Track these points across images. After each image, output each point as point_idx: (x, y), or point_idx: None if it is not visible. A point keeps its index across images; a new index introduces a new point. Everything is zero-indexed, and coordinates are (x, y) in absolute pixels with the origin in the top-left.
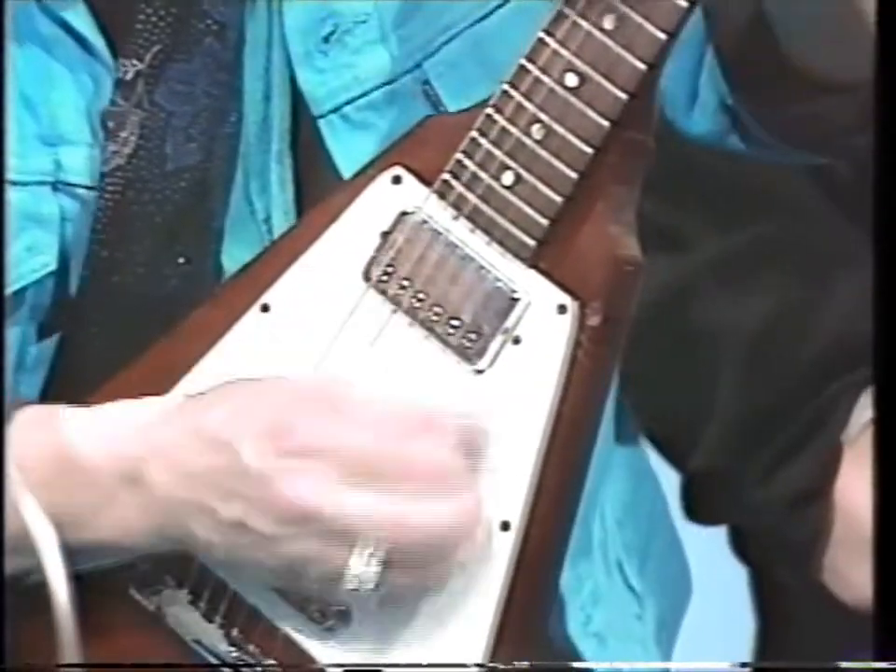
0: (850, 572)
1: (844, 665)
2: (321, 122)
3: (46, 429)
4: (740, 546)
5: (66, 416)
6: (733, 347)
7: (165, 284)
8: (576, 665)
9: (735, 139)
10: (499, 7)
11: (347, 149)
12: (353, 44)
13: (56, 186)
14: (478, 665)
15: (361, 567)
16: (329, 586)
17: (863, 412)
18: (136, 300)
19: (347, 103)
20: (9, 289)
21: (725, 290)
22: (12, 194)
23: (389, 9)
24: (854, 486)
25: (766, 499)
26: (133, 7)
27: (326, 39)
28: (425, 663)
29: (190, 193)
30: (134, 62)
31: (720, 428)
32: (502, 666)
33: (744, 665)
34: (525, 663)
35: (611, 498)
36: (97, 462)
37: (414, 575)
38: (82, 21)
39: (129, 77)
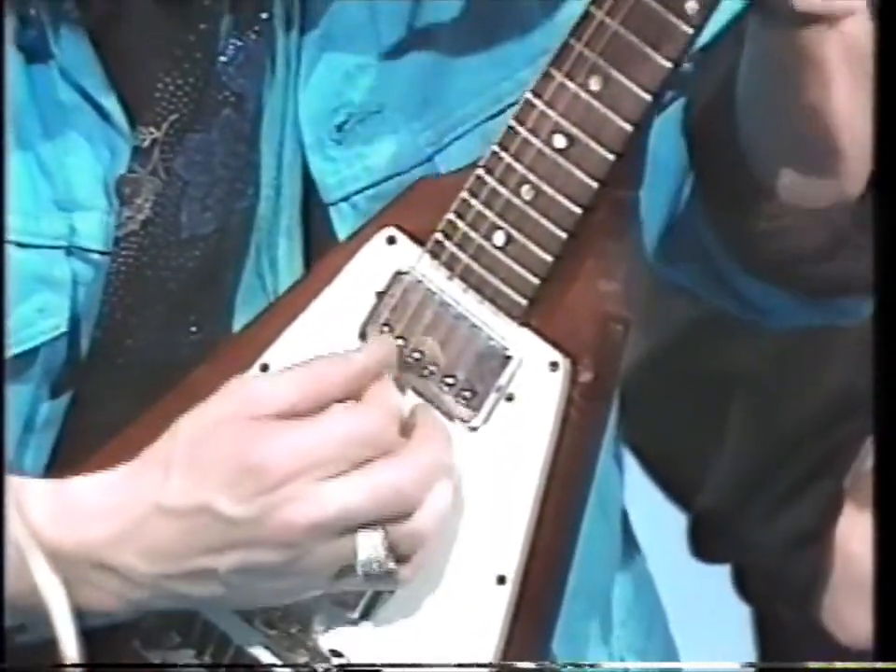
0: (848, 614)
1: (844, 664)
2: (331, 209)
3: (13, 507)
4: (743, 585)
5: (32, 494)
6: (742, 391)
7: (177, 351)
8: (577, 665)
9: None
10: (511, 105)
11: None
12: (365, 134)
13: (70, 250)
14: (479, 665)
15: (369, 552)
16: (345, 581)
17: (866, 458)
18: (148, 365)
19: (357, 192)
20: (20, 348)
21: (734, 336)
22: (24, 255)
23: (402, 102)
24: (855, 531)
25: (768, 540)
26: (151, 77)
27: (339, 128)
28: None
29: (205, 262)
30: (152, 130)
31: (726, 471)
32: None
33: (748, 665)
34: (527, 663)
35: (617, 598)
36: (63, 547)
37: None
38: (101, 89)
39: (146, 144)
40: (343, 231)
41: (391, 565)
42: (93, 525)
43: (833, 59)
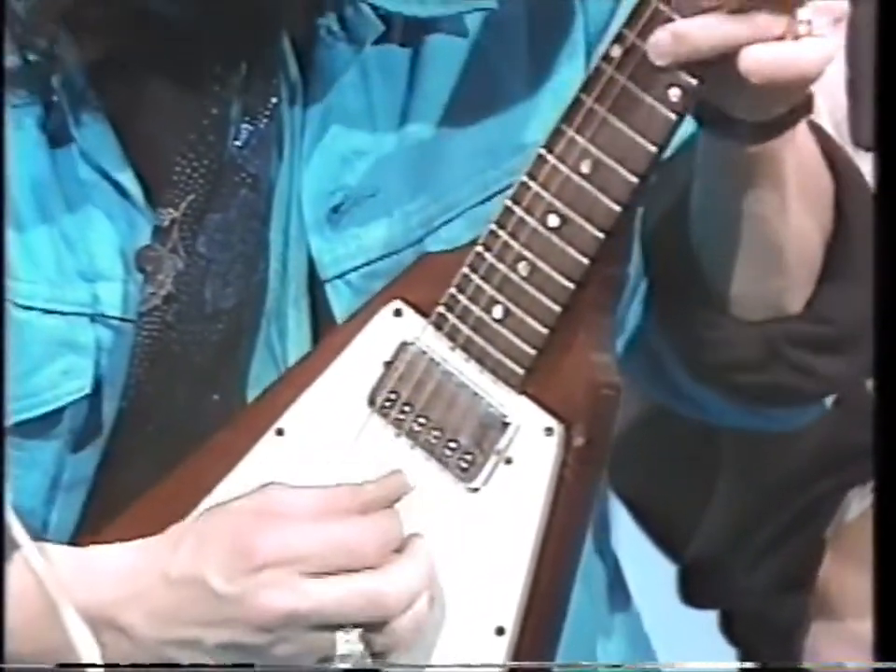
0: (826, 654)
1: (844, 665)
2: (327, 286)
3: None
4: (729, 628)
5: (57, 559)
6: (728, 446)
7: (200, 417)
8: (577, 665)
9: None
10: (498, 192)
11: (349, 314)
12: (360, 216)
13: (93, 317)
14: (481, 666)
15: (347, 647)
16: (327, 667)
17: (848, 510)
18: (173, 430)
19: (352, 270)
20: (46, 408)
21: None
22: (50, 321)
23: (396, 186)
24: (835, 579)
25: (753, 587)
26: (168, 159)
27: (335, 210)
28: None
29: (226, 335)
30: (170, 210)
31: (714, 523)
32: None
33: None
34: (533, 663)
35: (612, 657)
36: (79, 605)
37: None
38: (120, 169)
39: (165, 224)
40: (337, 307)
41: (368, 660)
42: (108, 587)
43: (783, 174)
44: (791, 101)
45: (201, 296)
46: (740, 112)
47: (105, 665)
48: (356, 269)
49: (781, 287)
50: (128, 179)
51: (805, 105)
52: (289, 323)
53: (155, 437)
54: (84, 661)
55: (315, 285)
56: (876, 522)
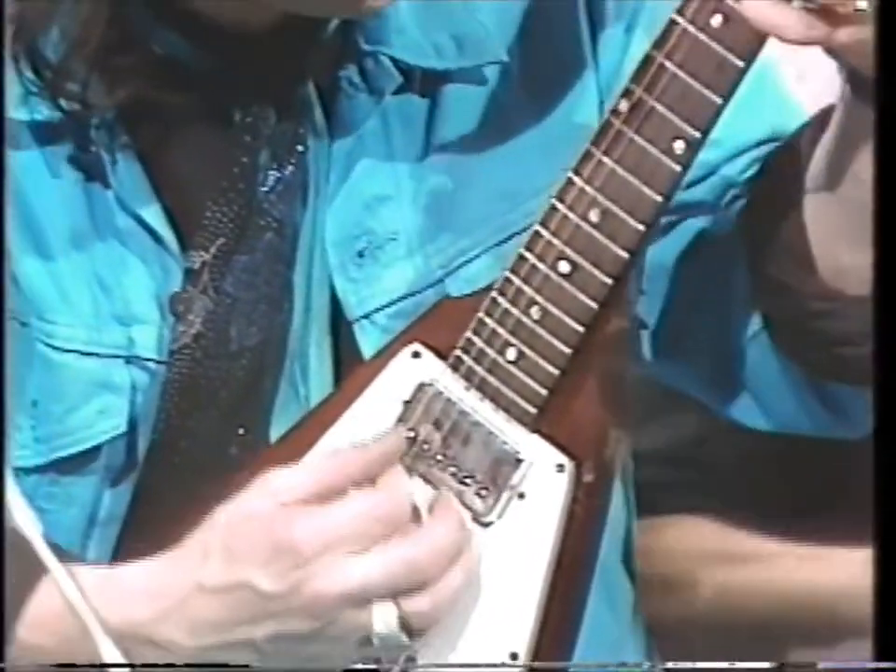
0: None
1: (845, 664)
2: (354, 325)
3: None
4: None
5: (85, 582)
6: None
7: (227, 450)
8: (578, 665)
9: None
10: (515, 234)
11: (375, 352)
12: (383, 259)
13: (128, 359)
14: (483, 666)
15: (383, 625)
16: (365, 650)
17: None
18: (201, 463)
19: (377, 310)
20: (84, 446)
21: None
22: (87, 363)
23: (417, 230)
24: None
25: None
26: (200, 205)
27: (360, 254)
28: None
29: (251, 371)
30: (201, 253)
31: None
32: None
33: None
34: (533, 663)
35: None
36: (119, 630)
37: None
38: (155, 217)
39: (196, 266)
40: (364, 345)
41: (404, 638)
42: (141, 606)
43: None
44: None
45: (227, 334)
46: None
47: (106, 665)
48: (380, 309)
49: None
50: (162, 226)
51: None
52: (311, 362)
53: (183, 469)
54: None
55: (338, 325)
56: (876, 522)
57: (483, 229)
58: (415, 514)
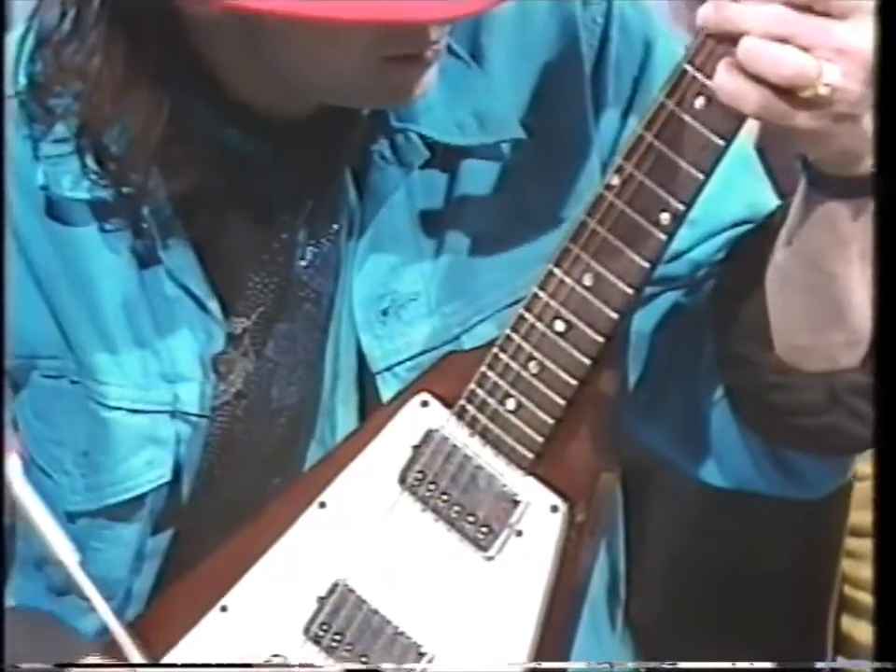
0: None
1: (845, 664)
2: (377, 377)
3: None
4: None
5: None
6: None
7: (262, 499)
8: (580, 665)
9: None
10: (523, 297)
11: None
12: (406, 317)
13: (174, 414)
14: (498, 666)
15: None
16: None
17: None
18: (239, 509)
19: (398, 363)
20: (131, 494)
21: None
22: (136, 419)
23: (436, 291)
24: None
25: None
26: (242, 277)
27: (384, 312)
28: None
29: (288, 428)
30: (243, 320)
31: None
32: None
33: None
34: (548, 664)
35: None
36: None
37: None
38: (200, 287)
39: (238, 331)
40: (385, 394)
41: None
42: None
43: (857, 242)
44: (867, 162)
45: (268, 394)
46: (828, 168)
47: (106, 665)
48: (402, 362)
49: (843, 341)
50: (207, 296)
51: None
52: (338, 420)
53: (223, 515)
54: None
55: (363, 377)
56: (877, 522)
57: (494, 293)
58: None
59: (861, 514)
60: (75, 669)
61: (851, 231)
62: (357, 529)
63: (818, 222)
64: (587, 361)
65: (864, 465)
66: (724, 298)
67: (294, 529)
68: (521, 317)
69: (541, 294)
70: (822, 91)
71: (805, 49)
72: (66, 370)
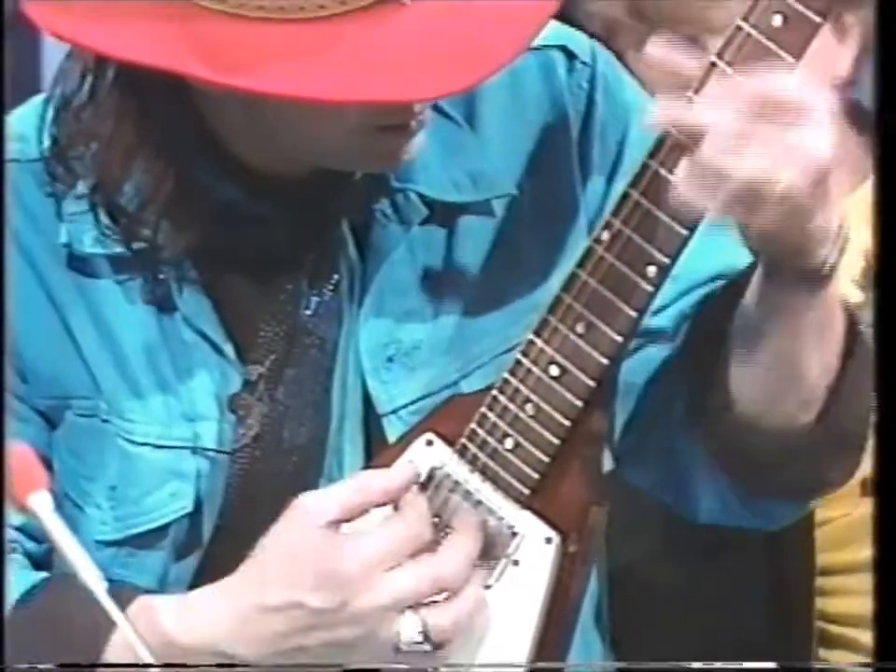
0: None
1: (844, 665)
2: (383, 419)
3: (147, 621)
4: None
5: (162, 609)
6: None
7: None
8: (581, 665)
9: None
10: (517, 344)
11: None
12: (409, 364)
13: (194, 450)
14: (484, 666)
15: (410, 633)
16: (398, 655)
17: None
18: (255, 539)
19: (403, 407)
20: (156, 524)
21: None
22: (160, 454)
23: (437, 339)
24: None
25: None
26: (255, 325)
27: (390, 359)
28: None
29: (299, 465)
30: (258, 367)
31: None
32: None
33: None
34: (550, 664)
35: None
36: (192, 646)
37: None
38: (215, 332)
39: (253, 378)
40: (391, 435)
41: (427, 647)
42: (209, 625)
43: (812, 323)
44: (819, 254)
45: (280, 435)
46: (783, 257)
47: (106, 665)
48: (405, 406)
49: (798, 403)
50: (222, 340)
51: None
52: (346, 458)
53: (242, 547)
54: None
55: (369, 419)
56: (876, 523)
57: (490, 340)
58: (436, 530)
59: (827, 556)
60: (75, 669)
61: (804, 308)
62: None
63: (773, 304)
64: (579, 403)
65: (825, 510)
66: (692, 351)
67: None
68: (518, 362)
69: (537, 341)
70: (776, 192)
71: (761, 152)
72: (97, 409)
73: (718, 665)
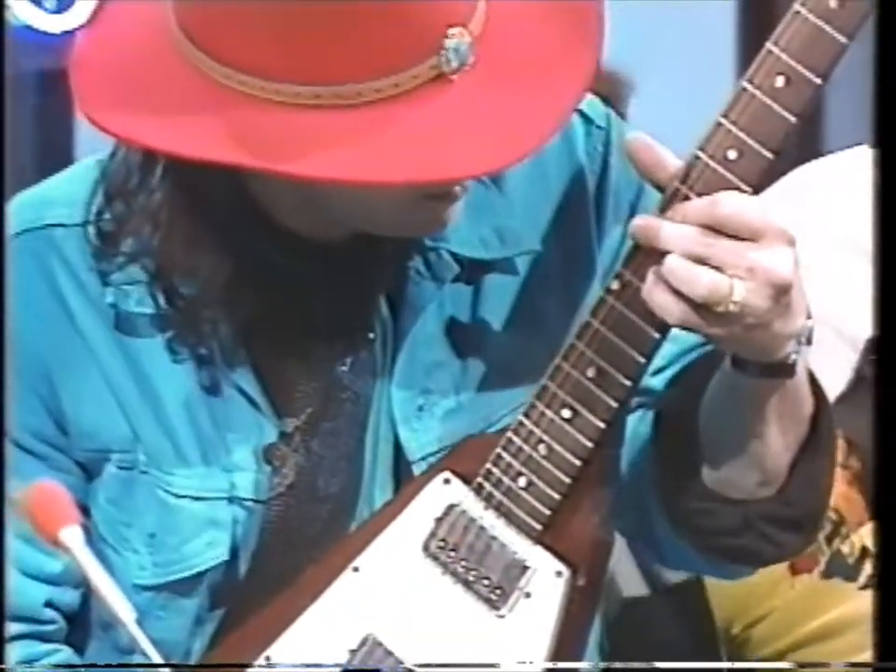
0: None
1: (844, 665)
2: (413, 466)
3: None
4: None
5: None
6: None
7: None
8: (582, 665)
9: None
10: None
11: None
12: (438, 413)
13: (231, 499)
14: (483, 665)
15: None
16: None
17: None
18: (288, 585)
19: (432, 454)
20: (192, 572)
21: None
22: (198, 505)
23: (465, 389)
24: None
25: None
26: (292, 381)
27: (420, 408)
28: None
29: (332, 513)
30: (294, 420)
31: None
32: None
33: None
34: (553, 664)
35: None
36: None
37: None
38: (252, 388)
39: (289, 430)
40: None
41: None
42: None
43: (775, 408)
44: (782, 352)
45: (314, 484)
46: (747, 355)
47: (107, 666)
48: (434, 453)
49: (759, 478)
50: (258, 395)
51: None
52: (377, 504)
53: (273, 590)
54: None
55: (399, 465)
56: (877, 524)
57: (513, 392)
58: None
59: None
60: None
61: (768, 397)
62: (386, 590)
63: (739, 393)
64: (590, 444)
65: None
66: (665, 420)
67: (330, 590)
68: (532, 405)
69: (550, 385)
70: (732, 307)
71: (719, 269)
72: (136, 461)
73: (718, 664)
